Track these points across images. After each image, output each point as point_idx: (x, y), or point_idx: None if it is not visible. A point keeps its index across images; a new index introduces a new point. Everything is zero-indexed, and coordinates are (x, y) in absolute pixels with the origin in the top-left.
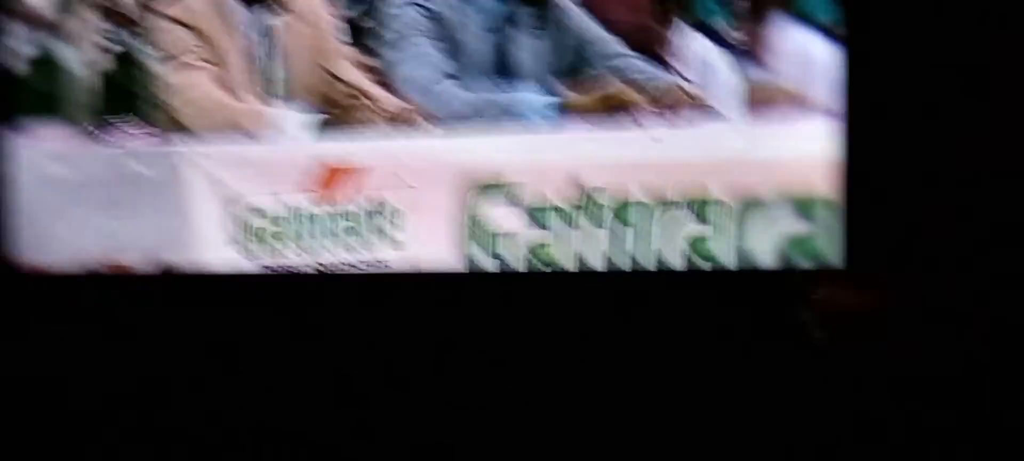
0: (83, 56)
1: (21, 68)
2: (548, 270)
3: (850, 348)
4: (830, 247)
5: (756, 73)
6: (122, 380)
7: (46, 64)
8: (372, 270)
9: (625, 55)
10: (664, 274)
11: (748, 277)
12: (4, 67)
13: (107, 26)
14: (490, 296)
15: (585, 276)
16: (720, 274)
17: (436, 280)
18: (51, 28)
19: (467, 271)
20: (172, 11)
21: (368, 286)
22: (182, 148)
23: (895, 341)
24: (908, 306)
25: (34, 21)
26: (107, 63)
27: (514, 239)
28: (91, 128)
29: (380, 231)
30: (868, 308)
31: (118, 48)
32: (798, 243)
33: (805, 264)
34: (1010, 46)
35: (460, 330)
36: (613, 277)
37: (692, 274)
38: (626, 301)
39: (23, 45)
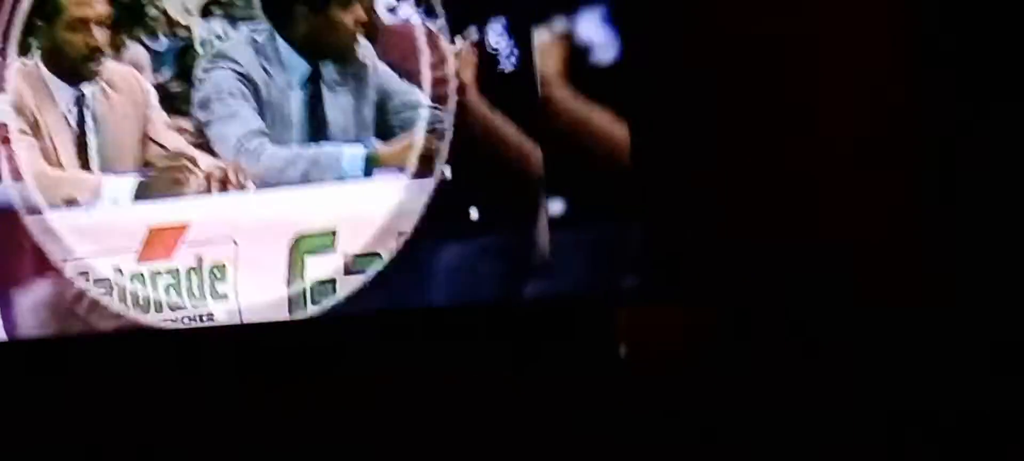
0: None
1: None
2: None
3: None
4: None
5: None
6: None
7: None
8: (199, 324)
9: (426, 106)
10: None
11: None
12: None
13: None
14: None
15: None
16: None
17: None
18: None
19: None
20: None
21: (195, 339)
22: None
23: None
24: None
25: None
26: None
27: (336, 288)
28: None
29: (208, 287)
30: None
31: None
32: None
33: None
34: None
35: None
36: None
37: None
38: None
39: None
